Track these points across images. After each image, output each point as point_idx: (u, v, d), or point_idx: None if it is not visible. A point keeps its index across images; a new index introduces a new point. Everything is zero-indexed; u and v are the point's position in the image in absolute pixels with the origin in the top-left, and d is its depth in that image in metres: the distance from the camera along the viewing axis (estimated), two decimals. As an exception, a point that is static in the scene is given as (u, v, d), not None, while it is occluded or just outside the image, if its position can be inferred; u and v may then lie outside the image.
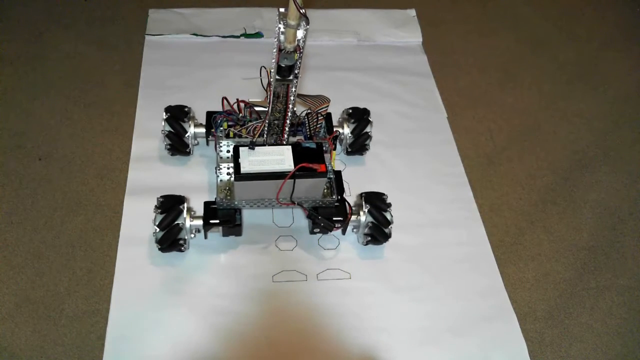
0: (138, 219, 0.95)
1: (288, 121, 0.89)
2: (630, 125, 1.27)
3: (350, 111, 1.05)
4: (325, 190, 0.91)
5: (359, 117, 1.04)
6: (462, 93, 1.29)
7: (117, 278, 0.88)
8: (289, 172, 0.83)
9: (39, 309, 0.85)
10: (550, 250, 1.03)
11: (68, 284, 0.88)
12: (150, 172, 1.02)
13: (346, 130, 1.05)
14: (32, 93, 1.15)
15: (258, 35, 1.31)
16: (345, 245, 0.97)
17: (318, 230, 0.94)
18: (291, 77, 0.78)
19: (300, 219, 0.99)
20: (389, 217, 0.92)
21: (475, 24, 1.48)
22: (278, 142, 0.94)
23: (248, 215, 0.98)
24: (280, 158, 0.85)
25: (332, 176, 0.92)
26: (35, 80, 1.18)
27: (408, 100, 1.23)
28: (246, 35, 1.31)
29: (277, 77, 0.78)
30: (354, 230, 0.97)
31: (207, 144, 1.06)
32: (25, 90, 1.15)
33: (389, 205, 0.93)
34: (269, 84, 0.81)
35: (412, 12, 1.43)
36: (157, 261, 0.91)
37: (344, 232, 0.97)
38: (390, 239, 0.98)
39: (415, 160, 1.11)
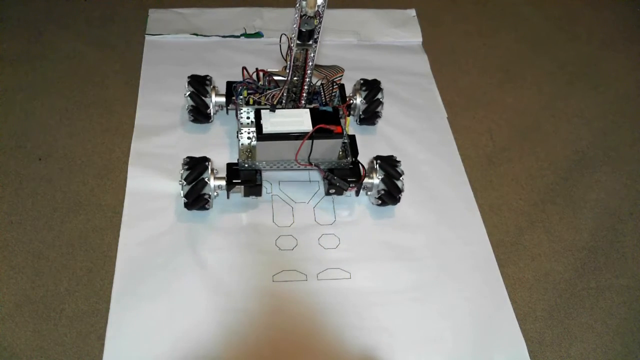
0: (138, 219, 0.96)
1: (306, 87, 0.94)
2: (630, 125, 1.27)
3: (362, 82, 1.10)
4: (341, 153, 0.97)
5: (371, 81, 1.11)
6: (462, 93, 1.29)
7: (117, 278, 0.88)
8: (308, 132, 0.88)
9: (39, 309, 0.85)
10: (550, 250, 1.03)
11: (68, 284, 0.88)
12: (150, 172, 1.02)
13: (358, 100, 1.09)
14: (32, 93, 1.15)
15: (258, 35, 1.31)
16: (345, 245, 0.97)
17: (334, 191, 0.98)
18: (311, 42, 0.84)
19: (300, 218, 0.99)
20: (400, 185, 0.96)
21: (475, 24, 1.48)
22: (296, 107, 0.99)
23: (249, 215, 0.99)
24: (299, 120, 0.90)
25: (346, 140, 0.97)
26: (35, 80, 1.18)
27: (408, 100, 1.23)
28: (246, 35, 1.31)
29: (298, 41, 0.84)
30: (367, 193, 1.01)
31: (227, 112, 1.10)
32: (25, 90, 1.15)
33: (399, 162, 0.98)
34: (289, 48, 0.86)
35: (412, 12, 1.43)
36: (157, 261, 0.91)
37: (357, 193, 1.00)
38: (389, 238, 0.98)
39: (415, 160, 1.11)
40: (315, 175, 1.06)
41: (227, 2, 1.38)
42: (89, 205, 0.98)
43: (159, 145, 1.07)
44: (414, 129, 1.17)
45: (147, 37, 1.28)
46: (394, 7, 1.44)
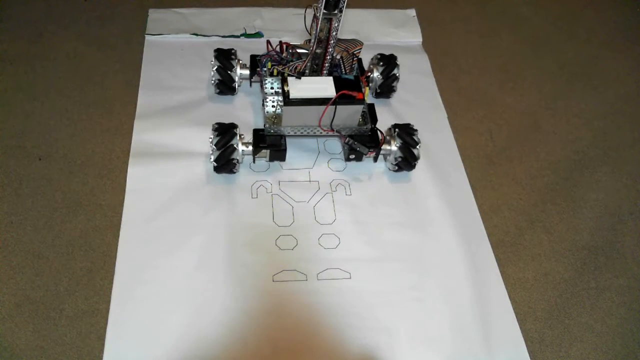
0: (138, 219, 0.96)
1: (329, 57, 0.99)
2: (630, 125, 1.27)
3: (379, 56, 1.16)
4: (360, 120, 1.02)
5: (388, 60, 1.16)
6: (462, 93, 1.29)
7: (117, 278, 0.88)
8: (332, 98, 0.94)
9: (39, 309, 0.85)
10: (550, 250, 1.03)
11: (68, 284, 0.88)
12: (150, 171, 1.02)
13: (375, 74, 1.15)
14: (32, 93, 1.15)
15: (258, 35, 1.31)
16: (345, 245, 0.97)
17: (353, 156, 1.04)
18: (336, 11, 0.89)
19: (300, 218, 0.99)
20: (416, 153, 1.03)
21: (475, 24, 1.48)
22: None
23: (248, 215, 0.99)
24: (323, 86, 0.96)
25: (365, 110, 1.02)
26: (35, 80, 1.18)
27: (408, 100, 1.23)
28: (246, 35, 1.31)
29: (324, 10, 0.88)
30: (385, 159, 1.07)
31: (251, 85, 1.17)
32: (25, 90, 1.15)
33: (416, 130, 1.04)
34: (315, 18, 0.91)
35: (412, 12, 1.43)
36: (157, 261, 0.91)
37: (375, 159, 1.06)
38: (389, 238, 0.98)
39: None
40: (315, 175, 1.06)
41: (227, 2, 1.38)
42: (89, 205, 0.98)
43: (159, 144, 1.07)
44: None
45: (147, 37, 1.28)
46: (394, 7, 1.44)
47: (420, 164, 1.10)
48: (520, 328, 0.91)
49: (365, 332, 0.87)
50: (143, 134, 1.08)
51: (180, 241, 0.94)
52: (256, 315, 0.87)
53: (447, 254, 0.98)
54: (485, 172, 1.13)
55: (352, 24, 1.38)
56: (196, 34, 1.29)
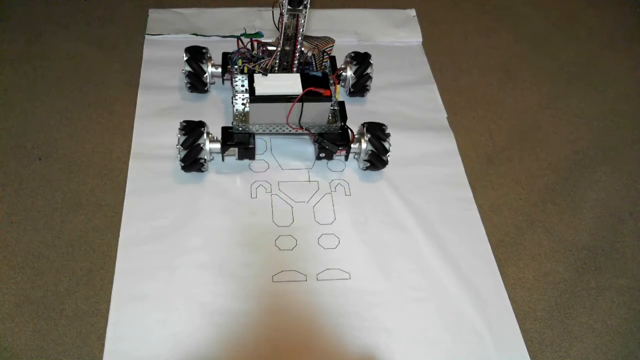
0: (138, 219, 0.96)
1: (297, 54, 0.97)
2: (630, 125, 1.27)
3: (353, 54, 1.15)
4: (330, 118, 1.01)
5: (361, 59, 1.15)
6: (462, 93, 1.29)
7: (117, 278, 0.88)
8: (298, 95, 0.92)
9: (39, 309, 0.85)
10: (550, 250, 1.03)
11: (68, 284, 0.89)
12: (150, 171, 1.02)
13: (349, 73, 1.14)
14: (32, 93, 1.15)
15: (258, 35, 1.31)
16: (344, 245, 0.97)
17: (324, 155, 1.03)
18: (301, 8, 0.88)
19: (300, 218, 0.99)
20: (387, 146, 1.01)
21: (475, 24, 1.48)
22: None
23: (248, 215, 0.99)
24: (290, 83, 0.95)
25: (336, 107, 1.02)
26: (35, 80, 1.18)
27: (408, 101, 1.23)
28: (246, 35, 1.31)
29: (289, 7, 0.87)
30: (355, 156, 1.06)
31: (223, 82, 1.17)
32: (25, 90, 1.15)
33: (388, 134, 1.02)
34: (281, 15, 0.91)
35: (412, 12, 1.43)
36: (157, 261, 0.91)
37: (346, 158, 1.06)
38: (389, 239, 0.98)
39: (414, 161, 1.11)
40: (315, 175, 1.06)
41: (227, 2, 1.38)
42: (89, 205, 0.98)
43: (159, 145, 1.07)
44: (413, 128, 1.17)
45: (147, 37, 1.28)
46: (394, 7, 1.44)
47: (419, 164, 1.11)
48: (520, 328, 0.91)
49: (365, 332, 0.87)
50: (143, 134, 1.08)
51: (180, 241, 0.94)
52: (256, 316, 0.87)
53: (446, 254, 0.98)
54: (485, 172, 1.13)
55: (352, 24, 1.38)
56: (196, 34, 1.29)
